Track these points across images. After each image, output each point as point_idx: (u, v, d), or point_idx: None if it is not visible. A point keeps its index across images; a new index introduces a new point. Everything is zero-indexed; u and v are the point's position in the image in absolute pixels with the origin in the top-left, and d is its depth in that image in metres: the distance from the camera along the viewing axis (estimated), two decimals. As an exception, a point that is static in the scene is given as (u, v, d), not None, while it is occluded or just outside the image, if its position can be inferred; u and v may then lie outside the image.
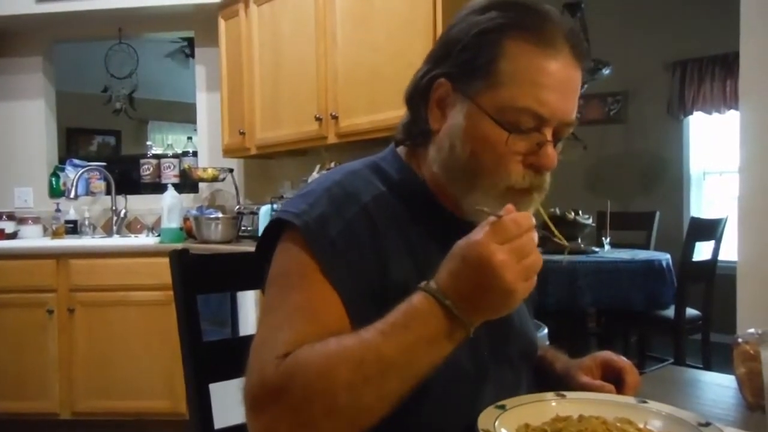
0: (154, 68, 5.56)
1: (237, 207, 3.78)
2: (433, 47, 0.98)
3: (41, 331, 3.33)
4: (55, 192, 4.14)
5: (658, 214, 4.63)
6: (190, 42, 5.06)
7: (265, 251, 0.93)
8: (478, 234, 0.75)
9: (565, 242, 0.86)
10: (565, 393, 0.93)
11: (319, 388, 0.75)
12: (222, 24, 3.78)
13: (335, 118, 3.02)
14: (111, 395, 3.29)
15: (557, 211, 3.86)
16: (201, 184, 4.13)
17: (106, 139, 7.67)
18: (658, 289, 3.67)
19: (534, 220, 0.77)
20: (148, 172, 4.26)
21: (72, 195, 3.85)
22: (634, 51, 5.22)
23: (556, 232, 0.87)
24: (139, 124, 7.07)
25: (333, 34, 3.03)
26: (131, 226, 4.11)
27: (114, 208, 4.04)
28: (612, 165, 5.62)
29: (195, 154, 4.22)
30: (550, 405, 0.89)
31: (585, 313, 3.78)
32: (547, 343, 2.22)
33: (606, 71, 4.12)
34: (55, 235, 3.92)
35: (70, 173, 4.01)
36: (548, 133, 0.88)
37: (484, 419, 0.81)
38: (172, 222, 3.64)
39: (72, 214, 4.01)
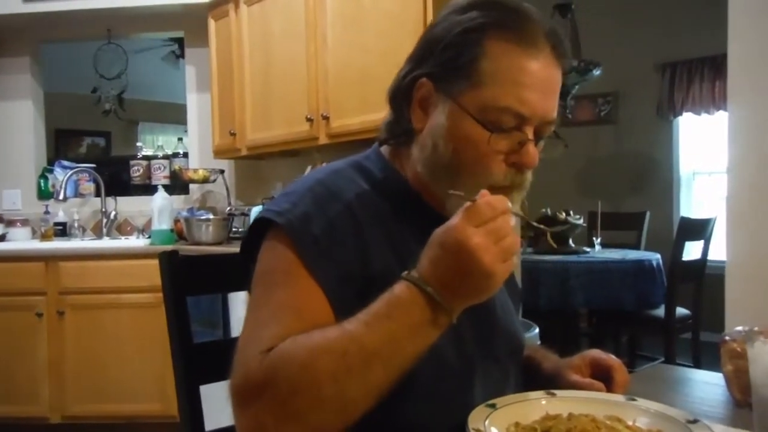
0: (143, 69, 5.53)
1: (228, 208, 3.77)
2: (415, 47, 0.98)
3: (30, 335, 3.30)
4: (44, 194, 4.12)
5: (648, 214, 4.66)
6: (180, 42, 5.05)
7: (251, 250, 0.93)
8: (454, 220, 0.76)
9: (544, 227, 0.87)
10: (554, 391, 0.94)
11: (303, 379, 0.75)
12: (212, 24, 3.77)
13: (326, 118, 3.02)
14: (102, 398, 3.26)
15: (548, 211, 3.88)
16: (192, 186, 4.12)
17: (95, 141, 7.64)
18: (648, 289, 3.69)
19: (509, 204, 0.78)
20: (138, 174, 4.24)
21: (61, 197, 3.82)
22: (624, 52, 5.24)
23: (533, 223, 0.90)
24: (129, 125, 7.04)
25: (323, 34, 3.02)
26: (121, 228, 4.09)
27: (104, 209, 4.02)
28: (602, 165, 5.65)
29: (185, 155, 4.21)
30: (540, 403, 0.90)
31: (576, 312, 3.80)
32: (539, 342, 2.23)
33: (596, 72, 4.14)
34: (44, 237, 3.89)
35: (59, 175, 3.98)
36: (529, 132, 0.89)
37: (474, 418, 0.82)
38: (162, 224, 3.62)
39: (61, 216, 3.99)
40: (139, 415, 3.24)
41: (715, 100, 5.05)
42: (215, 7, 3.72)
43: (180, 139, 4.44)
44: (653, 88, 5.45)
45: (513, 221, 0.78)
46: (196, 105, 4.12)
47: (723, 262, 2.41)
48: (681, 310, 3.66)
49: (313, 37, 3.08)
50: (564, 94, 4.09)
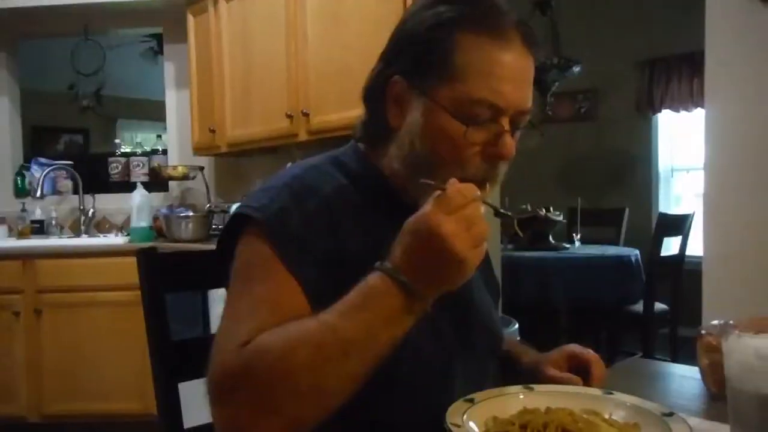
0: (122, 65, 5.47)
1: (208, 205, 3.74)
2: (386, 44, 0.98)
3: (7, 334, 3.26)
4: (21, 191, 4.06)
5: (627, 210, 4.70)
6: (159, 39, 5.00)
7: (228, 246, 0.93)
8: (425, 208, 0.77)
9: (511, 214, 0.89)
10: (532, 386, 0.94)
11: (280, 371, 0.75)
12: (191, 20, 3.74)
13: (306, 115, 3.01)
14: (80, 397, 3.23)
15: (528, 207, 3.90)
16: (171, 183, 4.09)
17: (73, 138, 7.52)
18: (627, 285, 3.73)
19: (478, 192, 0.78)
20: (116, 171, 4.20)
21: (38, 194, 3.77)
22: (603, 49, 5.28)
23: (501, 210, 0.91)
24: (107, 122, 6.95)
25: (303, 30, 3.01)
26: (100, 225, 4.05)
27: (82, 207, 3.97)
28: (582, 162, 5.69)
29: (165, 152, 4.18)
30: (518, 398, 0.90)
31: (556, 308, 3.83)
32: (518, 338, 2.24)
33: (576, 69, 4.17)
34: (21, 235, 3.84)
35: (36, 172, 3.93)
36: (505, 123, 0.89)
37: (452, 413, 0.82)
38: (141, 221, 3.59)
39: (38, 214, 3.94)
40: (118, 414, 3.21)
41: (693, 97, 5.10)
42: (194, 3, 3.69)
43: (159, 136, 4.41)
44: (632, 85, 5.49)
45: (483, 209, 0.79)
46: (175, 102, 4.08)
47: (700, 257, 2.44)
48: (659, 305, 3.70)
49: (293, 33, 3.06)
50: (544, 90, 4.12)
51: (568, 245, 4.02)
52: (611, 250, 3.96)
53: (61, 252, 3.36)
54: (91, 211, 3.99)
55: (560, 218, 3.97)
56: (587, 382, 0.99)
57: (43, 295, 3.27)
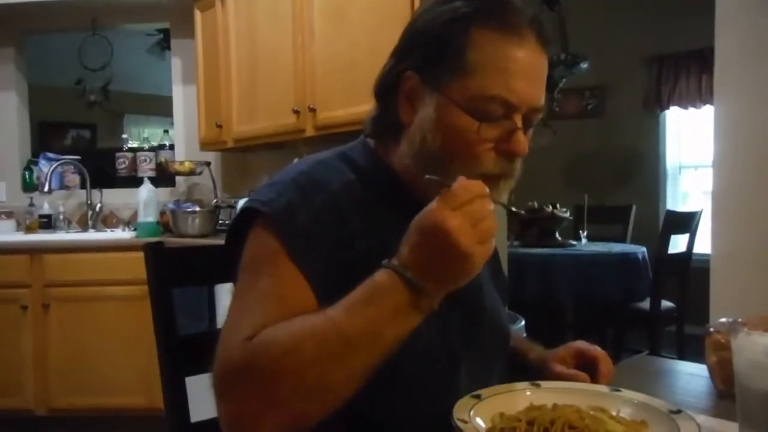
0: (129, 60, 5.49)
1: (214, 200, 3.75)
2: (399, 40, 0.98)
3: (15, 328, 3.27)
4: (29, 186, 4.07)
5: (634, 207, 4.69)
6: (166, 34, 5.00)
7: (236, 241, 0.93)
8: (431, 204, 0.77)
9: (522, 212, 0.89)
10: (539, 382, 0.94)
11: (285, 365, 0.75)
12: (198, 15, 3.74)
13: (313, 110, 3.00)
14: (87, 391, 3.24)
15: (535, 204, 3.89)
16: (178, 178, 4.10)
17: (80, 133, 7.56)
18: (634, 282, 3.72)
19: (486, 189, 0.78)
20: (123, 166, 4.21)
21: (46, 189, 3.79)
22: (611, 46, 5.26)
23: (512, 209, 0.92)
24: (114, 117, 6.98)
25: (310, 26, 3.01)
26: (107, 220, 4.06)
27: (89, 202, 3.99)
28: (589, 159, 5.67)
29: (171, 147, 4.18)
30: (525, 394, 0.90)
31: (562, 305, 3.82)
32: (524, 335, 2.24)
33: (584, 66, 4.15)
34: (29, 229, 3.86)
35: (44, 167, 3.95)
36: (518, 120, 0.89)
37: (459, 408, 0.82)
38: (148, 216, 3.60)
39: (46, 209, 3.95)
40: (124, 408, 3.22)
41: (702, 94, 5.08)
42: (201, -2, 3.69)
43: (166, 131, 4.41)
44: (640, 82, 5.47)
45: (492, 206, 0.78)
46: (182, 97, 4.09)
47: (708, 255, 2.43)
48: (666, 303, 3.69)
49: (300, 28, 3.06)
50: (551, 87, 4.10)
51: (574, 242, 4.01)
52: (618, 248, 3.95)
53: (68, 246, 3.37)
54: (99, 205, 4.00)
55: (567, 215, 3.96)
56: (594, 379, 0.98)
57: (51, 290, 3.28)
